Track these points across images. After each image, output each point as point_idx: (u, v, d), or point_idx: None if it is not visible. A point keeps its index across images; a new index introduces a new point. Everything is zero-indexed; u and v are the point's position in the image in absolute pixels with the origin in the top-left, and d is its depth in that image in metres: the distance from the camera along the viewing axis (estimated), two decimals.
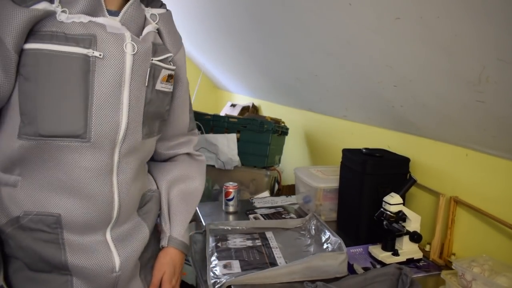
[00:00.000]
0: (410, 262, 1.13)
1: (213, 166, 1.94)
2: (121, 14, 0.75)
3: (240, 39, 2.05)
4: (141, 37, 0.78)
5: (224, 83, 3.53)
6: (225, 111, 3.06)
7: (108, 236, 0.78)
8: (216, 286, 0.95)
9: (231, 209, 1.49)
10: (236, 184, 1.50)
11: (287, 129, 2.05)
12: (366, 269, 1.08)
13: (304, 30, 1.35)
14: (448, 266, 1.11)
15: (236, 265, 1.06)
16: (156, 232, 0.96)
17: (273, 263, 1.08)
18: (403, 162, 1.27)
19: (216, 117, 2.03)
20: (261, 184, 1.91)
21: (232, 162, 1.90)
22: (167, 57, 0.83)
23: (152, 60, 0.78)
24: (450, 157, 1.18)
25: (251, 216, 1.45)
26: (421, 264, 1.13)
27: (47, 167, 0.70)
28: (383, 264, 1.10)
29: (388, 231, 1.12)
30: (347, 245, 1.07)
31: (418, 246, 1.16)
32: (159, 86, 0.81)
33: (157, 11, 0.85)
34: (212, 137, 1.92)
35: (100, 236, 0.77)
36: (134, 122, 0.76)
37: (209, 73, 3.70)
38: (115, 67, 0.71)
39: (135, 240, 0.83)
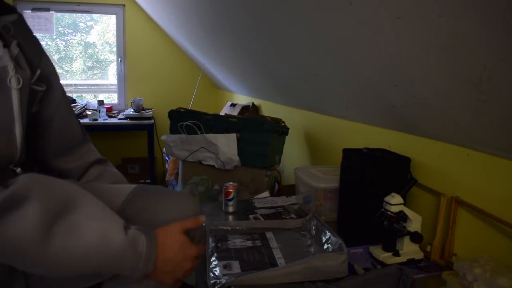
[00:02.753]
0: (411, 262, 1.12)
1: (213, 166, 1.93)
2: None
3: (240, 39, 2.04)
4: (8, 59, 0.69)
5: (224, 83, 3.53)
6: (225, 111, 3.06)
7: None
8: (216, 287, 0.95)
9: (231, 209, 1.49)
10: (236, 184, 1.50)
11: (287, 129, 2.05)
12: (366, 269, 1.07)
13: (304, 29, 1.35)
14: (449, 266, 1.11)
15: (236, 265, 1.05)
16: None
17: (273, 264, 1.07)
18: (403, 162, 1.27)
19: (216, 117, 2.03)
20: (261, 184, 1.91)
21: (232, 162, 1.89)
22: (39, 76, 0.76)
23: (32, 86, 0.73)
24: (451, 157, 1.17)
25: (251, 216, 1.45)
26: (422, 264, 1.13)
27: None
28: (383, 264, 1.10)
29: (388, 232, 1.12)
30: (347, 246, 1.07)
31: (419, 247, 1.15)
32: (35, 108, 0.79)
33: (8, 19, 0.74)
34: (212, 137, 1.92)
35: None
36: (23, 149, 0.73)
37: (209, 73, 3.70)
38: (3, 105, 0.66)
39: None
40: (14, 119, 0.68)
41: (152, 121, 3.47)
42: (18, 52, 0.71)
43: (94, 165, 0.94)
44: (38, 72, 0.76)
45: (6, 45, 0.70)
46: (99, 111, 3.44)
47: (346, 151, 1.36)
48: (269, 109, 2.71)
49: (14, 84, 0.66)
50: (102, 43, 4.10)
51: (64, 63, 4.05)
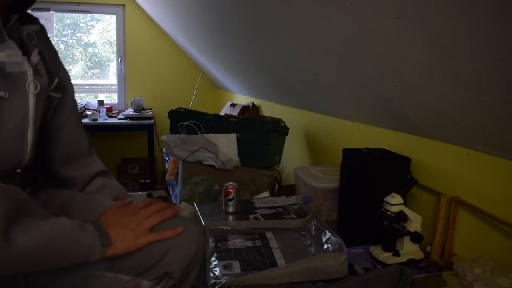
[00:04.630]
0: (411, 262, 1.12)
1: (213, 166, 1.93)
2: (5, 35, 0.69)
3: (240, 39, 2.04)
4: (28, 65, 0.72)
5: (224, 83, 3.53)
6: (225, 110, 3.06)
7: None
8: (216, 287, 0.95)
9: (231, 209, 1.49)
10: (236, 184, 1.50)
11: (287, 129, 2.05)
12: (366, 269, 1.07)
13: (304, 29, 1.35)
14: (449, 266, 1.10)
15: (236, 265, 1.05)
16: None
17: (273, 264, 1.07)
18: (403, 162, 1.27)
19: (216, 117, 2.02)
20: (261, 184, 1.90)
21: (232, 162, 1.89)
22: (56, 84, 0.81)
23: (50, 93, 0.77)
24: (451, 157, 1.17)
25: (251, 216, 1.45)
26: (422, 264, 1.13)
27: None
28: (384, 264, 1.10)
29: (388, 232, 1.12)
30: (347, 246, 1.07)
31: (419, 247, 1.15)
32: (50, 115, 0.82)
33: (32, 28, 0.78)
34: (212, 137, 1.91)
35: None
36: (32, 154, 0.76)
37: (209, 73, 3.70)
38: (19, 108, 0.69)
39: None
40: (28, 124, 0.71)
41: (152, 121, 3.47)
42: (38, 60, 0.75)
43: (98, 176, 0.96)
44: (56, 80, 0.80)
45: (26, 53, 0.73)
46: (99, 111, 3.44)
47: (346, 151, 1.36)
48: (269, 109, 2.71)
49: (32, 89, 0.69)
50: (103, 42, 4.10)
51: (65, 63, 4.05)
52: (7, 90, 0.66)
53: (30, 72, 0.70)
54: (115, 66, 3.95)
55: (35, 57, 0.75)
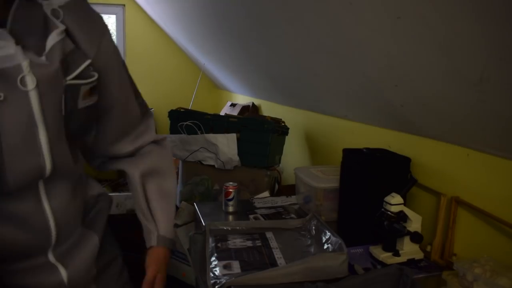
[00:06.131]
0: (411, 262, 1.12)
1: (213, 166, 1.93)
2: (8, 25, 0.59)
3: (240, 39, 2.04)
4: (44, 53, 0.61)
5: (224, 83, 3.53)
6: (225, 110, 3.05)
7: (51, 256, 0.71)
8: (216, 287, 0.95)
9: (231, 209, 1.49)
10: (236, 184, 1.50)
11: (287, 129, 2.05)
12: (366, 269, 1.07)
13: (304, 30, 1.35)
14: (449, 266, 1.10)
15: (236, 265, 1.05)
16: (110, 235, 0.90)
17: (273, 264, 1.07)
18: (403, 162, 1.27)
19: (216, 117, 2.02)
20: (261, 184, 1.90)
21: (232, 162, 1.89)
22: (85, 67, 0.67)
23: (66, 81, 0.64)
24: (451, 157, 1.17)
25: (251, 216, 1.45)
26: (422, 264, 1.12)
27: None
28: (384, 264, 1.10)
29: (388, 232, 1.12)
30: (347, 246, 1.07)
31: (419, 247, 1.15)
32: (82, 103, 0.68)
33: (58, 1, 0.66)
34: (212, 137, 1.91)
35: (41, 259, 0.70)
36: (61, 158, 0.67)
37: (209, 73, 3.70)
38: (21, 108, 0.60)
39: (82, 251, 0.77)
40: (36, 125, 0.61)
41: (152, 121, 3.46)
42: (56, 43, 0.63)
43: (148, 146, 0.89)
44: (87, 63, 0.67)
45: (45, 36, 0.63)
46: None
47: (346, 151, 1.36)
48: (269, 109, 2.71)
49: (29, 84, 0.59)
50: None
51: None
52: (3, 91, 0.57)
53: (25, 64, 0.58)
54: None
55: (52, 39, 0.62)
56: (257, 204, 1.59)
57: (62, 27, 0.65)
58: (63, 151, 0.68)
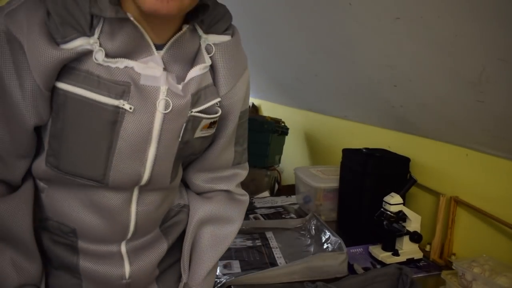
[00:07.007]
0: (410, 262, 1.13)
1: None
2: (164, 50, 0.65)
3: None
4: (182, 84, 0.66)
5: None
6: None
7: (123, 247, 0.76)
8: (216, 286, 0.95)
9: None
10: None
11: (287, 129, 2.05)
12: (366, 269, 1.08)
13: (304, 30, 1.35)
14: (448, 266, 1.11)
15: (236, 265, 1.06)
16: (179, 239, 0.88)
17: (273, 263, 1.08)
18: (403, 162, 1.27)
19: None
20: (261, 184, 1.91)
21: None
22: (213, 104, 0.70)
23: (191, 112, 0.68)
24: (450, 157, 1.18)
25: (251, 216, 1.45)
26: (421, 264, 1.13)
27: (69, 188, 0.70)
28: (383, 264, 1.10)
29: (388, 231, 1.12)
30: (347, 245, 1.07)
31: (418, 246, 1.16)
32: (199, 134, 0.72)
33: (216, 39, 0.71)
34: None
35: (114, 247, 0.76)
36: (160, 174, 0.71)
37: None
38: (143, 124, 0.65)
39: (150, 253, 0.80)
40: (150, 141, 0.66)
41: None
42: (195, 76, 0.67)
43: (219, 192, 0.88)
44: (216, 101, 0.70)
45: (193, 66, 0.67)
46: None
47: (346, 151, 1.36)
48: (269, 109, 2.71)
49: (161, 107, 0.64)
50: None
51: None
52: (135, 104, 0.63)
53: (163, 89, 0.64)
54: None
55: (194, 72, 0.67)
56: (257, 204, 1.60)
57: (208, 62, 0.69)
58: (164, 170, 0.71)
